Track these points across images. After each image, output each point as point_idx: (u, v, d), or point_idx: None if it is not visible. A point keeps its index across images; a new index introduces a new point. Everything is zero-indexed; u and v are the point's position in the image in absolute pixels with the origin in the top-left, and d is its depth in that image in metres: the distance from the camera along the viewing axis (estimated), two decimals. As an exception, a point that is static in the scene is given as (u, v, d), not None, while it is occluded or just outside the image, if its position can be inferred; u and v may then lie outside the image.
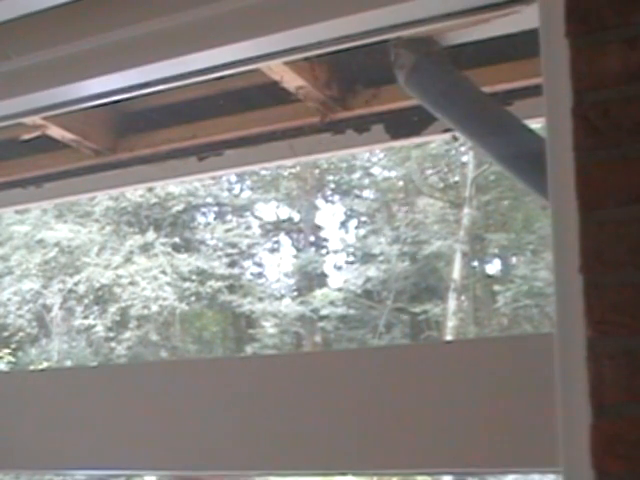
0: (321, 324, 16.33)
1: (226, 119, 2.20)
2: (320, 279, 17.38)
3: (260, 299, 16.55)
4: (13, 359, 15.09)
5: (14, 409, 1.58)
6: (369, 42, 1.54)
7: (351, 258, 17.65)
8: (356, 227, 18.30)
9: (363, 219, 18.05)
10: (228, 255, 16.41)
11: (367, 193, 17.89)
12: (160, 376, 1.49)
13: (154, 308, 14.75)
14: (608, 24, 1.04)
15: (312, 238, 18.14)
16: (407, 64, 1.61)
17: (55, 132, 2.21)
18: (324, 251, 18.29)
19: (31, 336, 16.09)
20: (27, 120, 2.03)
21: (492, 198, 15.55)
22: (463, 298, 15.48)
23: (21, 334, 15.70)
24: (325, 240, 18.41)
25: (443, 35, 1.61)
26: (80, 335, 15.92)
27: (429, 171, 16.72)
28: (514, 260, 16.30)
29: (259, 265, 18.30)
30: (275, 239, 18.50)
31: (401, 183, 17.10)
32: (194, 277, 15.42)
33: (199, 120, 2.24)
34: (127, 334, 14.87)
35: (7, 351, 15.02)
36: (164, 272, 15.10)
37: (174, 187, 15.82)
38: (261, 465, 1.32)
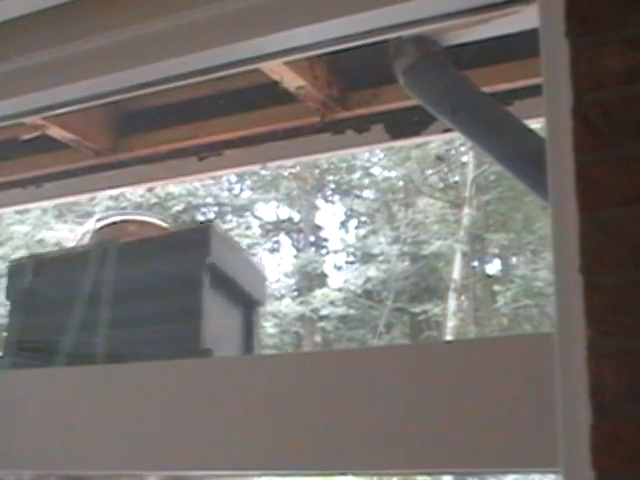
0: (321, 324, 16.32)
1: (226, 119, 2.21)
2: (320, 279, 17.37)
3: (260, 299, 16.50)
4: (13, 359, 15.09)
5: (13, 409, 1.58)
6: (369, 42, 1.54)
7: (351, 258, 17.65)
8: (356, 227, 18.29)
9: (363, 219, 18.05)
10: (228, 255, 16.38)
11: (367, 193, 17.89)
12: (160, 376, 1.49)
13: (154, 308, 14.73)
14: (608, 24, 1.04)
15: (312, 238, 18.14)
16: (407, 64, 1.61)
17: (55, 132, 2.21)
18: (324, 251, 18.29)
19: (31, 336, 16.06)
20: (27, 120, 2.03)
21: (492, 198, 15.55)
22: (463, 298, 15.47)
23: (21, 334, 15.69)
24: (325, 240, 18.41)
25: (443, 35, 1.60)
26: (80, 335, 15.89)
27: (429, 171, 16.71)
28: (514, 260, 16.29)
29: (259, 265, 18.29)
30: (275, 239, 18.50)
31: (401, 183, 17.10)
32: (194, 277, 15.39)
33: (199, 120, 2.24)
34: (127, 334, 14.85)
35: (7, 351, 15.02)
36: (164, 272, 15.07)
37: (174, 187, 15.81)
38: (261, 465, 1.32)
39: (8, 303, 2.13)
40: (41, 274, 2.06)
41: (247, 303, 2.11)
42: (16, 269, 2.10)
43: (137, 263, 1.99)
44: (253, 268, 2.17)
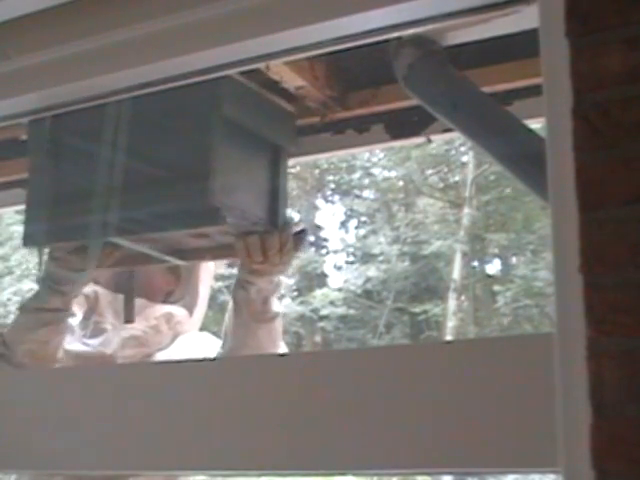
0: (321, 324, 16.33)
1: (226, 119, 2.20)
2: (320, 279, 17.39)
3: (260, 299, 16.49)
4: (13, 359, 15.07)
5: (13, 408, 1.58)
6: (369, 42, 1.54)
7: (351, 258, 17.67)
8: (356, 227, 18.31)
9: (363, 219, 18.06)
10: (228, 255, 16.37)
11: (367, 193, 17.90)
12: (160, 376, 1.49)
13: (154, 308, 14.71)
14: (608, 24, 1.04)
15: (312, 238, 18.14)
16: (406, 64, 1.61)
17: (55, 132, 2.20)
18: (324, 251, 18.30)
19: (31, 336, 16.04)
20: (27, 120, 2.03)
21: (492, 198, 15.56)
22: (463, 298, 15.48)
23: (21, 334, 15.67)
24: (325, 240, 18.42)
25: (443, 35, 1.60)
26: (80, 335, 15.86)
27: (429, 171, 16.72)
28: (514, 260, 16.30)
29: (259, 265, 18.25)
30: (275, 239, 18.46)
31: (401, 183, 17.11)
32: (194, 277, 15.39)
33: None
34: (127, 334, 14.84)
35: (7, 351, 15.00)
36: (164, 272, 15.06)
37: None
38: (261, 465, 1.32)
39: (30, 159, 2.12)
40: (60, 126, 2.01)
41: (271, 150, 1.94)
42: (35, 123, 2.03)
43: (149, 121, 1.87)
44: (274, 108, 1.95)
